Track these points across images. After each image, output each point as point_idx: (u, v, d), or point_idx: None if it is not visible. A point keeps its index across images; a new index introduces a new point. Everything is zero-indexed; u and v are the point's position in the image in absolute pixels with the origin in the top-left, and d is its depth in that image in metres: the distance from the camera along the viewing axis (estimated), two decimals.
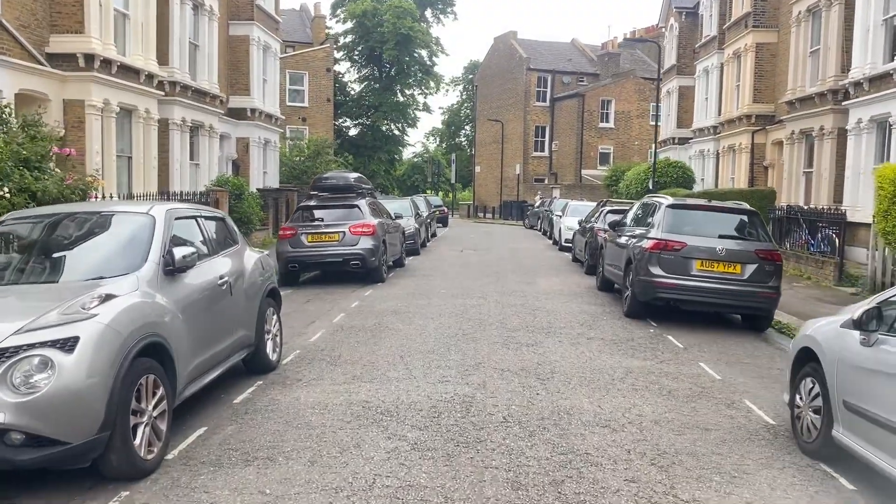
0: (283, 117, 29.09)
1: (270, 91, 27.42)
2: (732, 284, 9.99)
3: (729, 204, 11.04)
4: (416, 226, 20.58)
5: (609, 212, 16.40)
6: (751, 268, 10.01)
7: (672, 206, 10.67)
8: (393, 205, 21.13)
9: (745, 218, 10.59)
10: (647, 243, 10.50)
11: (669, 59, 36.69)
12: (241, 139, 25.41)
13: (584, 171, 46.31)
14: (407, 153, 70.78)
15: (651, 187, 25.19)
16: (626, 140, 47.28)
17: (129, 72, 16.84)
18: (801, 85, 21.18)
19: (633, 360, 8.17)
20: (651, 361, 8.14)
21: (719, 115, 28.62)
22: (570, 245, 21.07)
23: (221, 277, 6.19)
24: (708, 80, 30.33)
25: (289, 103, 38.62)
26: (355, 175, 15.55)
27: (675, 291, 10.11)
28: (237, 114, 25.15)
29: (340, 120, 59.49)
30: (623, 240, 11.95)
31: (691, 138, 32.71)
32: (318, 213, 14.23)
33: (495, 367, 7.58)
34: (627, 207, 16.80)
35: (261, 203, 21.09)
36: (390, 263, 16.18)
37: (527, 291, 13.22)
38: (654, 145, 26.74)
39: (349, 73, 60.55)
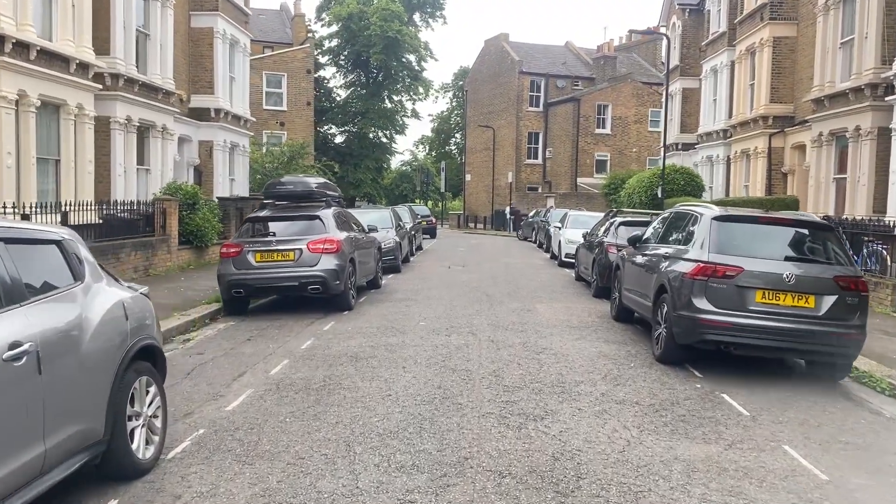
0: (254, 119, 26.50)
1: (239, 90, 24.82)
2: (805, 323, 7.41)
3: (794, 215, 8.47)
4: (397, 239, 17.98)
5: (621, 224, 13.85)
6: (828, 300, 7.43)
7: (720, 219, 8.09)
8: (371, 216, 18.64)
9: (816, 233, 8.02)
10: (687, 267, 7.93)
11: (672, 60, 34.37)
12: (203, 143, 22.78)
13: (579, 180, 43.95)
14: (395, 161, 68.70)
15: (660, 195, 22.70)
16: (624, 147, 44.94)
17: (55, 59, 14.22)
18: (831, 80, 18.76)
19: (691, 443, 5.57)
20: (716, 445, 5.54)
21: (730, 117, 26.27)
22: (573, 261, 18.59)
23: (13, 347, 3.56)
24: (716, 79, 27.97)
25: (266, 107, 36.11)
26: (318, 180, 12.93)
27: (729, 332, 7.52)
28: (200, 114, 22.55)
29: (326, 127, 57.30)
30: (648, 260, 9.39)
31: (697, 144, 30.33)
32: (270, 227, 11.61)
33: (488, 466, 4.95)
34: (644, 218, 14.27)
35: (219, 214, 18.43)
36: (364, 284, 13.61)
37: (526, 323, 10.60)
38: (662, 148, 24.30)
39: (335, 79, 58.51)
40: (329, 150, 55.85)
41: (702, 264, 7.74)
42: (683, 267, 8.06)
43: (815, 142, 19.58)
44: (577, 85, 47.19)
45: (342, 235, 11.68)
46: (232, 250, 11.15)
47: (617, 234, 13.62)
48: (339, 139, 58.28)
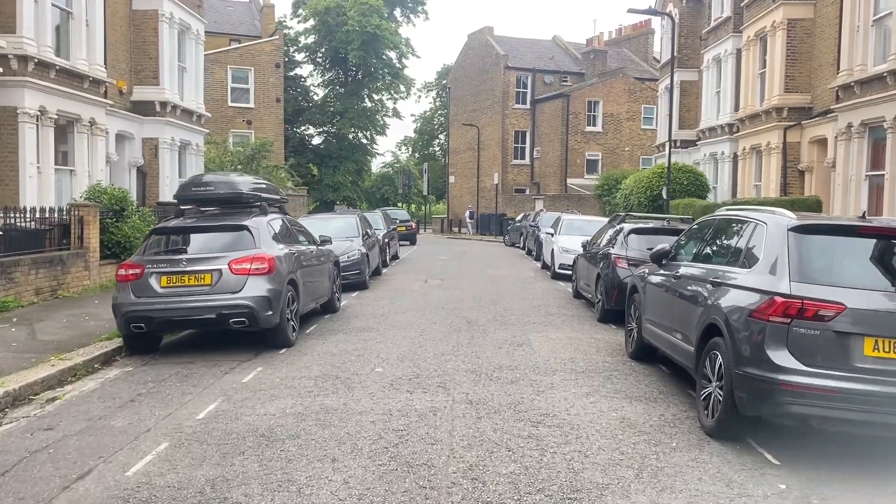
0: (209, 115, 23.82)
1: (191, 82, 22.12)
2: None
3: None
4: (363, 251, 15.34)
5: (632, 232, 11.30)
6: None
7: (800, 230, 5.53)
8: (335, 223, 16.25)
9: None
10: (752, 301, 5.40)
11: (667, 51, 32.03)
12: (148, 140, 20.08)
13: (569, 181, 41.51)
14: (376, 164, 66.41)
15: (665, 196, 20.21)
16: (616, 145, 42.59)
17: None
18: (862, 64, 16.32)
19: None
20: None
21: (736, 110, 23.89)
22: (569, 272, 16.08)
23: None
24: (720, 70, 25.60)
25: (231, 104, 33.43)
26: (251, 179, 10.27)
27: (827, 403, 4.95)
28: (143, 108, 19.86)
29: (303, 128, 54.92)
30: (684, 285, 6.87)
31: (697, 140, 27.94)
32: (181, 241, 8.96)
33: None
34: (661, 224, 11.75)
35: (155, 222, 15.68)
36: (317, 307, 11.00)
37: (518, 367, 8.00)
38: (668, 143, 21.74)
39: (312, 77, 56.07)
40: (307, 152, 53.50)
41: (779, 298, 5.18)
42: (745, 299, 5.51)
43: (841, 134, 17.15)
44: (565, 81, 44.86)
45: (278, 251, 9.04)
46: (131, 272, 8.48)
47: (627, 245, 11.09)
48: (317, 140, 56.17)
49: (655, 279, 7.89)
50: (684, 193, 23.11)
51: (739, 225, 6.48)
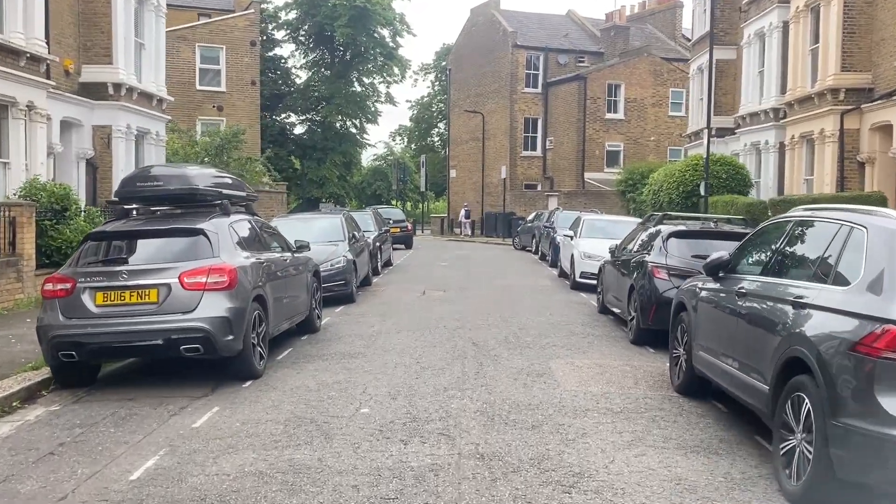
0: (172, 99, 23.11)
1: (151, 61, 21.40)
2: None
3: None
4: (350, 257, 14.56)
5: (672, 235, 10.50)
6: None
7: None
8: (319, 224, 15.81)
9: None
10: (851, 329, 4.69)
11: (700, 25, 31.34)
12: (99, 128, 19.36)
13: (587, 175, 40.91)
14: (367, 156, 65.91)
15: (703, 192, 19.46)
16: (640, 135, 41.93)
17: None
18: None
19: None
20: None
21: (783, 92, 23.19)
22: (591, 282, 15.35)
23: None
24: (763, 46, 24.92)
25: (200, 87, 32.76)
26: (213, 173, 9.49)
27: None
28: (94, 91, 19.12)
29: (283, 115, 54.49)
30: (751, 304, 6.11)
31: (735, 128, 27.21)
32: (122, 248, 8.17)
33: None
34: (709, 227, 11.00)
35: (103, 223, 14.91)
36: (291, 327, 10.24)
37: (539, 405, 7.18)
38: (706, 132, 20.96)
39: (294, 58, 55.75)
40: (288, 143, 53.00)
41: (892, 327, 4.39)
42: (841, 326, 4.74)
43: None
44: (582, 61, 44.30)
45: (243, 260, 8.25)
46: (59, 287, 7.68)
47: (667, 251, 10.29)
48: (299, 129, 55.89)
49: (711, 296, 7.09)
50: (723, 189, 22.47)
51: (826, 229, 5.68)
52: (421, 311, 13.48)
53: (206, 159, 24.16)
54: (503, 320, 12.36)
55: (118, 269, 7.72)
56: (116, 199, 9.17)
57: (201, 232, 8.08)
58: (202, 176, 9.02)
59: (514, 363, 9.02)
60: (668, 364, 8.86)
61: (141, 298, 7.60)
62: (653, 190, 26.00)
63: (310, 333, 10.95)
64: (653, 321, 10.02)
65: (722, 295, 6.81)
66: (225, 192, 9.08)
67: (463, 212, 47.08)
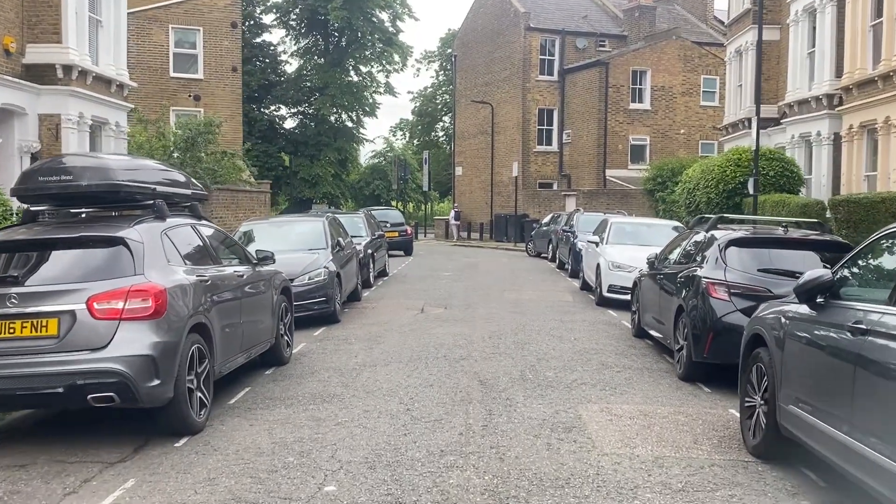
0: (135, 84, 21.76)
1: (109, 41, 20.02)
2: None
3: None
4: (333, 268, 13.07)
5: (731, 244, 8.96)
6: None
7: None
8: (295, 229, 14.52)
9: None
10: None
11: (736, 3, 29.90)
12: (46, 117, 17.93)
13: (609, 172, 39.62)
14: (365, 152, 64.88)
15: (751, 190, 17.98)
16: (669, 127, 40.55)
17: None
18: None
19: None
20: None
21: (838, 76, 21.73)
22: (621, 297, 14.02)
23: None
24: (813, 23, 23.53)
25: (174, 74, 31.40)
26: (144, 164, 8.01)
27: None
28: (40, 74, 17.71)
29: (272, 107, 53.76)
30: (871, 346, 4.64)
31: (780, 118, 25.75)
32: (15, 263, 6.70)
33: None
34: (777, 233, 9.47)
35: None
36: (251, 359, 8.76)
37: (570, 478, 5.68)
38: (754, 120, 19.35)
39: (283, 45, 55.13)
40: (277, 138, 52.15)
41: None
42: None
43: None
44: (602, 45, 43.15)
45: (178, 278, 6.76)
46: None
47: (726, 263, 8.76)
48: (290, 123, 55.24)
49: (807, 329, 5.56)
50: (770, 188, 21.03)
51: None
52: (417, 334, 11.97)
53: (175, 154, 22.73)
54: (517, 347, 10.86)
55: (6, 291, 6.22)
56: (12, 196, 7.68)
57: (121, 241, 6.59)
58: (130, 168, 7.53)
59: (534, 411, 7.50)
60: (732, 411, 7.39)
61: (36, 331, 6.12)
62: (687, 188, 24.56)
63: (276, 366, 9.46)
64: (709, 353, 8.53)
65: (827, 330, 5.28)
66: (160, 189, 7.58)
67: (452, 213, 46.93)
